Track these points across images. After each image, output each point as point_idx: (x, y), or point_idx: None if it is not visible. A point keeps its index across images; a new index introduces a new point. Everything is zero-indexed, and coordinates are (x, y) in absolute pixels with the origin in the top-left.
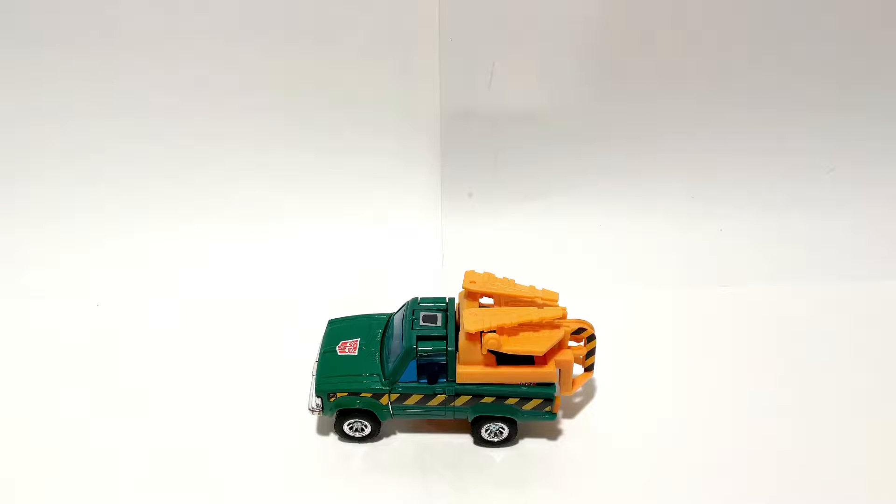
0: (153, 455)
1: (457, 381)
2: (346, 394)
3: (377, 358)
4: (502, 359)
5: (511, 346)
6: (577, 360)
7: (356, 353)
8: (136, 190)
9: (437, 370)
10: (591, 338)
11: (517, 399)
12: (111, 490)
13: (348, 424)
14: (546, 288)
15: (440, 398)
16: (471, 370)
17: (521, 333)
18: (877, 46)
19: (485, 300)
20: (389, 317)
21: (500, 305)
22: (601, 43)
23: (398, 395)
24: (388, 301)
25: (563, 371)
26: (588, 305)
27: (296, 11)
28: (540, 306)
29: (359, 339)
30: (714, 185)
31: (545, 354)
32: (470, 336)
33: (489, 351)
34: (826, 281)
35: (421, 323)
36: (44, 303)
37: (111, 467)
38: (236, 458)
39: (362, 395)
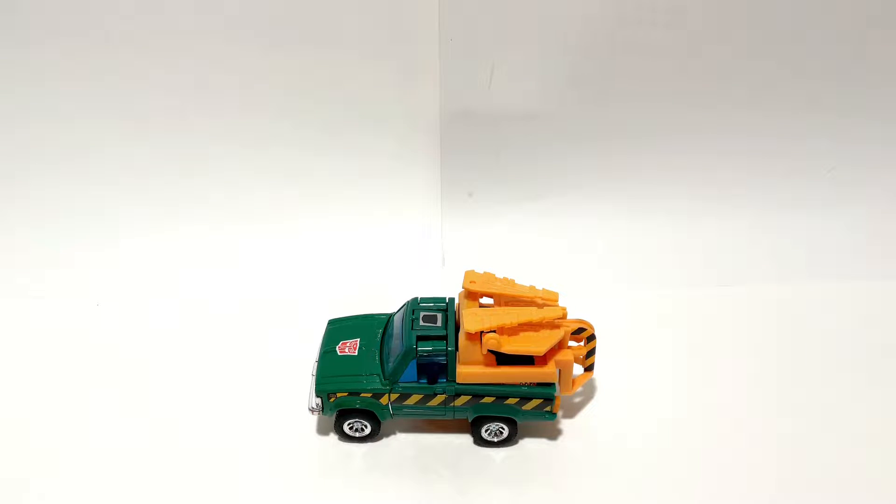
0: (153, 455)
1: (457, 381)
2: (346, 394)
3: (377, 358)
4: (502, 359)
5: (511, 346)
6: (577, 360)
7: (356, 353)
8: (136, 190)
9: (437, 370)
10: (591, 338)
11: (517, 399)
12: (111, 490)
13: (348, 424)
14: (546, 288)
15: (440, 398)
16: (471, 370)
17: (521, 333)
18: (877, 46)
19: (485, 300)
20: (389, 317)
21: (500, 305)
22: (601, 43)
23: (398, 395)
24: (388, 301)
25: (563, 371)
26: (588, 305)
27: (296, 12)
28: (540, 306)
29: (359, 339)
30: (714, 185)
31: (545, 354)
32: (470, 336)
33: (489, 351)
34: (826, 281)
35: (421, 323)
36: (44, 303)
37: (111, 467)
38: (236, 458)
39: (362, 395)
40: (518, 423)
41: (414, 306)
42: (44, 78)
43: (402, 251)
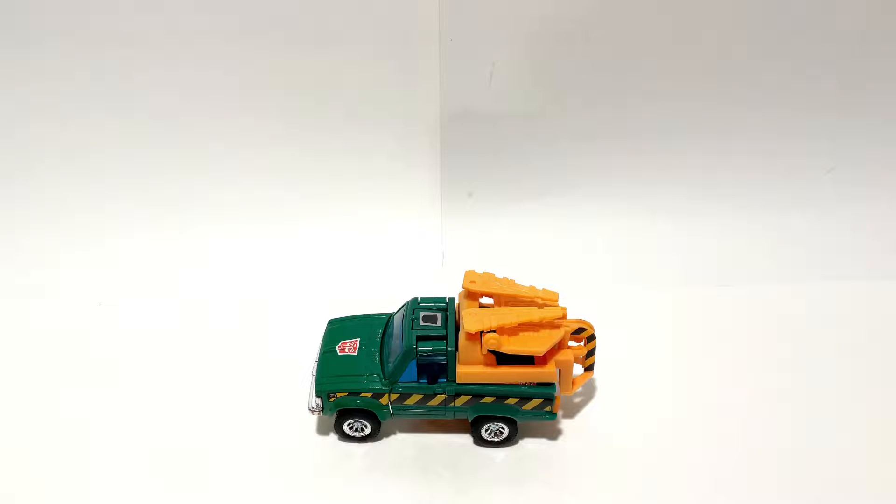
0: (153, 455)
1: (457, 381)
2: (346, 394)
3: (377, 358)
4: (502, 359)
5: (511, 346)
6: (577, 360)
7: (356, 353)
8: (136, 190)
9: (437, 370)
10: (591, 338)
11: (517, 399)
12: (111, 490)
13: (348, 424)
14: (546, 288)
15: (440, 398)
16: (471, 370)
17: (521, 333)
18: (877, 46)
19: (485, 300)
20: (389, 317)
21: (500, 305)
22: (601, 43)
23: (398, 394)
24: (388, 301)
25: (563, 371)
26: (588, 305)
27: (296, 12)
28: (540, 306)
29: (359, 339)
30: (714, 185)
31: (545, 354)
32: (470, 336)
33: (489, 351)
34: (826, 281)
35: (421, 323)
36: (44, 303)
37: (111, 467)
38: (236, 458)
39: (362, 394)
40: (518, 423)
41: (414, 306)
42: (44, 78)
43: (402, 251)
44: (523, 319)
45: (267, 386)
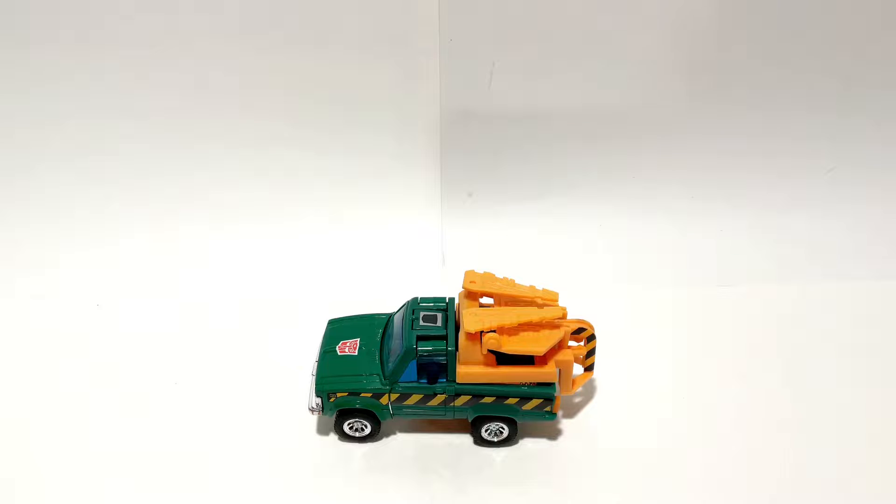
0: (153, 455)
1: (457, 381)
2: (346, 394)
3: (377, 358)
4: (502, 359)
5: (511, 346)
6: (577, 360)
7: (356, 353)
8: (136, 190)
9: (437, 370)
10: (591, 338)
11: (517, 399)
12: (111, 490)
13: (348, 424)
14: (546, 288)
15: (440, 398)
16: (471, 370)
17: (521, 333)
18: (877, 46)
19: (485, 300)
20: (389, 317)
21: (500, 305)
22: (600, 43)
23: (398, 395)
24: (388, 301)
25: (563, 371)
26: (588, 305)
27: (296, 11)
28: (540, 306)
29: (359, 339)
30: (714, 185)
31: (545, 354)
32: (470, 336)
33: (489, 351)
34: (826, 281)
35: (421, 323)
36: (44, 303)
37: (111, 468)
38: (236, 458)
39: (362, 394)
40: (518, 423)
41: (414, 306)
42: (44, 78)
43: (402, 251)
44: (523, 319)
45: (267, 386)
